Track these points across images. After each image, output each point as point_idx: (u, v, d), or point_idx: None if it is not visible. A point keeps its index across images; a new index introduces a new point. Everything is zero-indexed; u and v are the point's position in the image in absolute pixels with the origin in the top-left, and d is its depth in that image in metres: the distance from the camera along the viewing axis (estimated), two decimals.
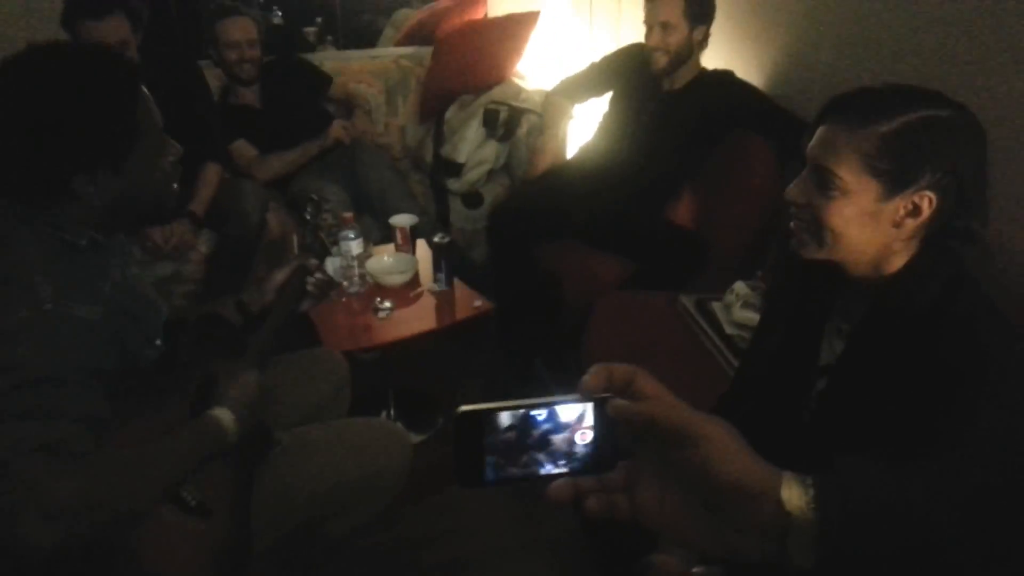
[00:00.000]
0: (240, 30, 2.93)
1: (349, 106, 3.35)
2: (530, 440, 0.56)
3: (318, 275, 1.63)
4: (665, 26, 2.40)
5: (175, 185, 1.37)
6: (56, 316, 1.13)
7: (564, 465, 0.57)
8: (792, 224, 1.12)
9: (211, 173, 2.71)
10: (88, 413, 1.12)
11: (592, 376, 0.57)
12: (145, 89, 1.27)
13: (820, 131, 1.09)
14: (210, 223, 2.66)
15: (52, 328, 1.12)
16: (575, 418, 0.57)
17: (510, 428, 0.56)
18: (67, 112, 1.16)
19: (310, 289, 1.60)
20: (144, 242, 2.50)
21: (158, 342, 1.42)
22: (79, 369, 1.13)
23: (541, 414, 0.56)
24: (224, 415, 1.27)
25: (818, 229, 1.08)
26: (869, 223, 1.05)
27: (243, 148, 2.99)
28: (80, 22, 2.33)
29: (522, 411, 0.56)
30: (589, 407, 0.57)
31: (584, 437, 0.57)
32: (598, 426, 0.57)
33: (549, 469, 0.57)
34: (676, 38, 2.41)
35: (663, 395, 0.57)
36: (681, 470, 0.57)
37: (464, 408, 0.56)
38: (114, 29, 2.37)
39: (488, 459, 0.56)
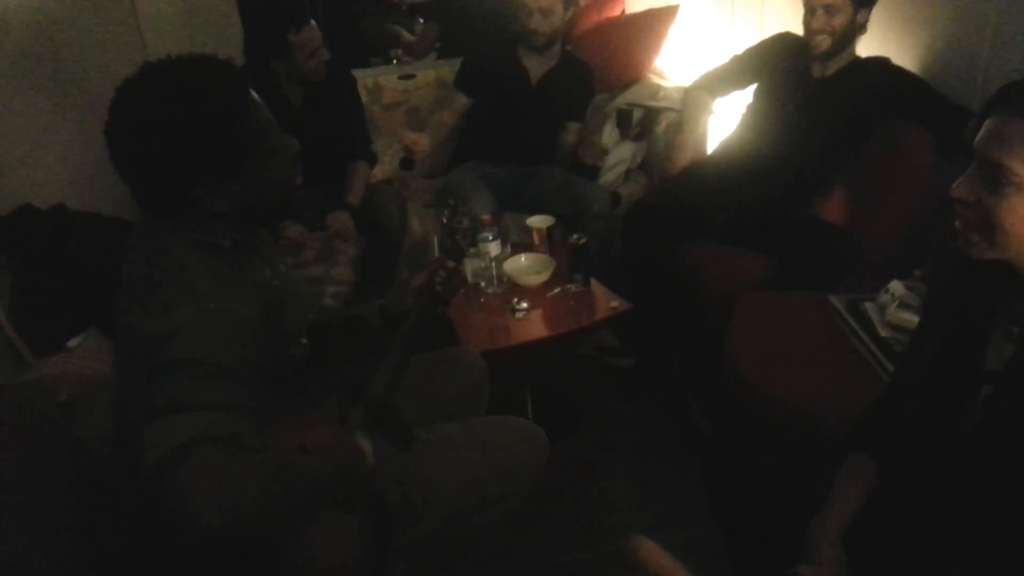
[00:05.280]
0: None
1: None
2: None
3: (454, 277, 1.66)
4: (829, 8, 2.29)
5: (298, 178, 1.40)
6: (217, 314, 1.19)
7: None
8: (957, 223, 1.04)
9: (361, 169, 2.83)
10: (252, 407, 1.18)
11: None
12: (254, 93, 1.29)
13: (990, 123, 1.01)
14: (358, 227, 2.77)
15: (215, 324, 1.18)
16: None
17: None
18: (180, 126, 1.19)
19: (438, 289, 1.64)
20: (281, 241, 2.61)
21: (304, 340, 1.48)
22: (241, 363, 1.19)
23: None
24: (367, 446, 1.28)
25: (988, 228, 1.00)
26: None
27: (459, 107, 3.08)
28: (293, 30, 2.52)
29: None
30: None
31: None
32: None
33: None
34: (840, 20, 2.30)
35: None
36: None
37: None
38: (316, 34, 2.57)
39: None
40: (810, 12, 2.34)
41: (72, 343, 1.92)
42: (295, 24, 2.51)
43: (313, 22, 2.58)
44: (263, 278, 1.38)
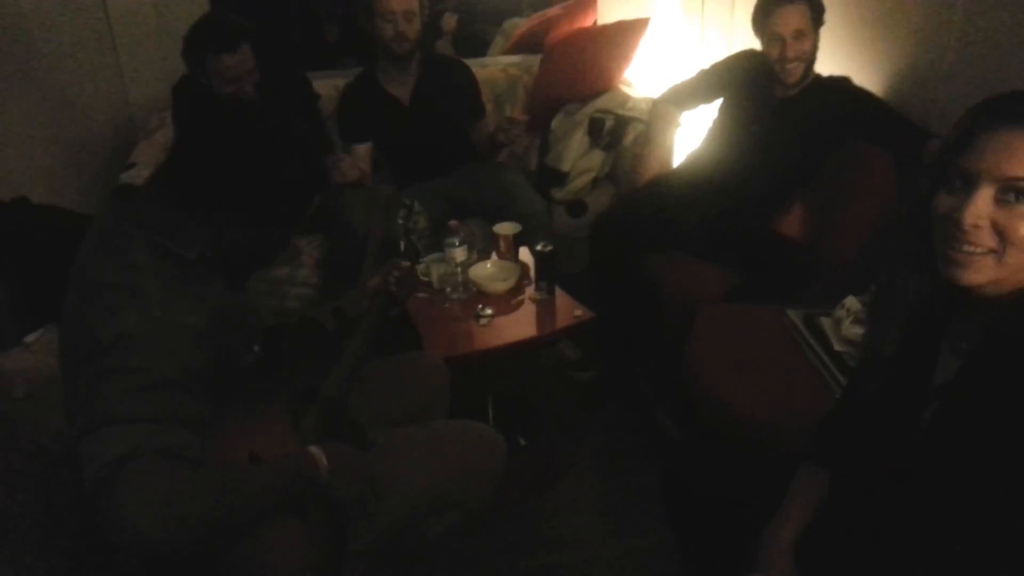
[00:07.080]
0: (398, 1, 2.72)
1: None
2: None
3: (408, 278, 1.68)
4: (799, 35, 2.32)
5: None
6: (164, 323, 1.16)
7: None
8: (966, 248, 0.99)
9: None
10: (195, 416, 1.16)
11: None
12: None
13: (990, 138, 0.97)
14: (320, 229, 2.75)
15: (161, 334, 1.15)
16: None
17: None
18: (268, 173, 1.25)
19: (393, 289, 1.65)
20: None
21: (256, 348, 1.45)
22: (186, 373, 1.16)
23: None
24: (321, 457, 1.28)
25: (1002, 247, 0.97)
26: None
27: (363, 154, 2.95)
28: (212, 55, 2.39)
29: None
30: None
31: None
32: None
33: None
34: (808, 44, 2.34)
35: None
36: None
37: None
38: (243, 60, 2.43)
39: None
40: (779, 41, 2.34)
41: (30, 338, 1.89)
42: (219, 49, 2.37)
43: (246, 47, 2.42)
44: (219, 291, 1.34)
